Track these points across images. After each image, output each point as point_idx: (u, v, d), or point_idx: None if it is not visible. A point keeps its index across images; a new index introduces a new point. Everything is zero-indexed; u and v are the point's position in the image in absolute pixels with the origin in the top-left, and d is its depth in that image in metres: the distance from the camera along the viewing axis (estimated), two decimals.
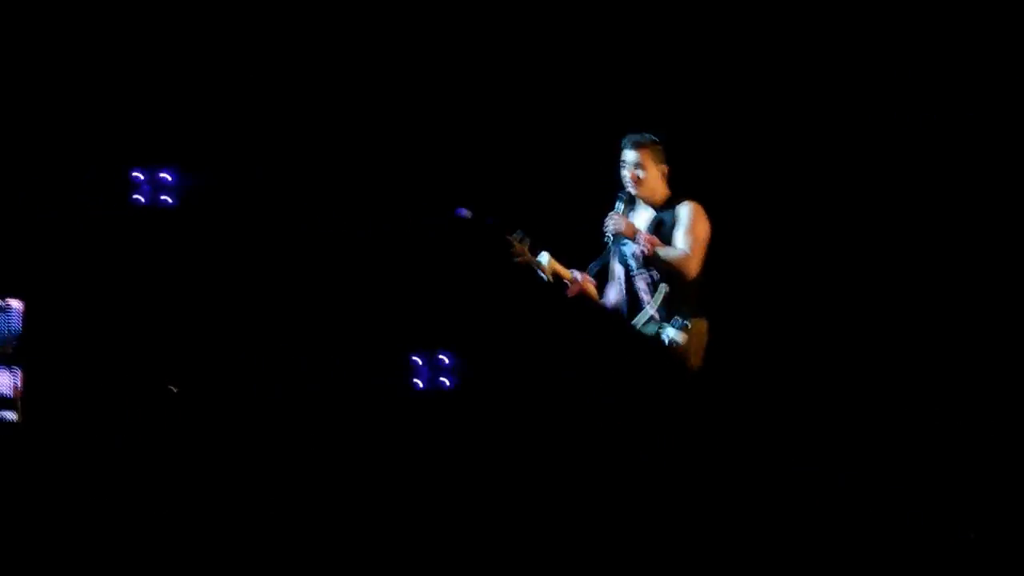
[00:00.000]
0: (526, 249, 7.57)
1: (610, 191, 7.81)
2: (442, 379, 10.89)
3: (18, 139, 10.37)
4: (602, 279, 7.86)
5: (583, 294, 7.70)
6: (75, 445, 9.61)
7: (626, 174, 7.72)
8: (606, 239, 7.70)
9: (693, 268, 7.60)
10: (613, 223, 7.62)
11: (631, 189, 7.72)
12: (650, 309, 7.61)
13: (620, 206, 7.69)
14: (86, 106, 10.48)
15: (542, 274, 7.61)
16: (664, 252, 7.60)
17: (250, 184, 10.69)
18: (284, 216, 10.70)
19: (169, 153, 10.71)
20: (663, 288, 7.61)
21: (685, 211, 7.67)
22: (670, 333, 7.52)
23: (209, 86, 10.58)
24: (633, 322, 7.64)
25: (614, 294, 7.83)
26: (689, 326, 7.53)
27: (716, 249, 7.73)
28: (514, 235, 7.57)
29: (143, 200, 10.70)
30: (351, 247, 10.69)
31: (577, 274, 7.69)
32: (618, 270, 7.81)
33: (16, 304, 9.79)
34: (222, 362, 10.49)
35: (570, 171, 9.99)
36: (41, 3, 10.35)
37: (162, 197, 10.74)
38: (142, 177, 10.71)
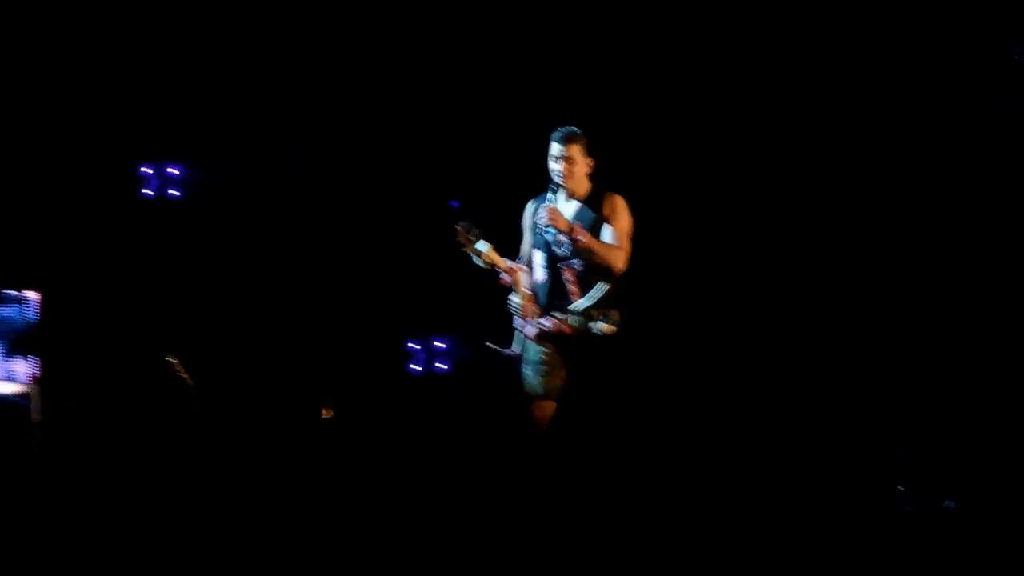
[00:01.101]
0: (469, 239, 7.86)
1: (530, 184, 8.12)
2: (438, 364, 11.19)
3: (31, 136, 10.57)
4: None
5: (515, 283, 7.95)
6: (90, 434, 9.89)
7: (557, 167, 7.92)
8: (538, 230, 7.95)
9: (622, 262, 7.86)
10: (549, 217, 7.84)
11: (560, 181, 7.93)
12: (586, 302, 7.85)
13: (553, 198, 7.95)
14: (97, 103, 10.68)
15: (479, 261, 7.89)
16: (597, 246, 7.82)
17: (254, 178, 10.91)
18: (285, 209, 10.91)
19: (177, 149, 10.93)
20: (602, 286, 7.84)
21: (611, 205, 7.91)
22: (600, 326, 7.82)
23: (214, 83, 10.78)
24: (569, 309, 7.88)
25: (529, 279, 8.04)
26: (616, 317, 7.82)
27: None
28: (462, 225, 7.87)
29: (152, 194, 10.93)
30: (350, 239, 10.93)
31: (512, 264, 7.97)
32: (537, 256, 8.04)
33: (32, 295, 9.96)
34: (228, 349, 10.73)
35: (493, 162, 10.31)
36: (57, 3, 10.55)
37: (170, 191, 10.97)
38: (151, 172, 10.95)
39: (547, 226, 7.87)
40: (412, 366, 11.14)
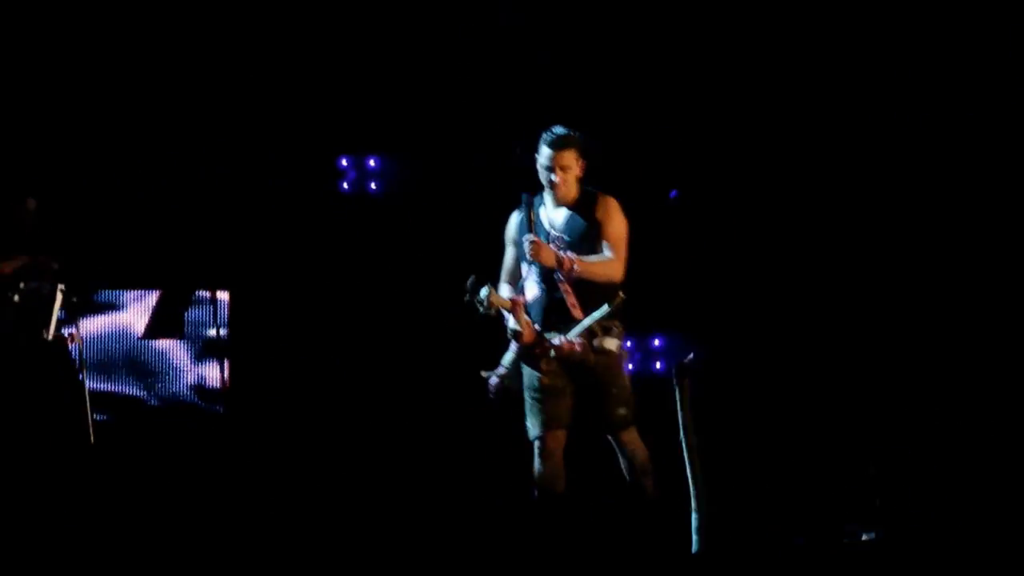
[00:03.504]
0: (473, 292, 7.23)
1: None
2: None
3: (224, 131, 10.42)
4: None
5: (515, 313, 7.29)
6: (281, 437, 9.71)
7: (553, 177, 7.25)
8: (531, 265, 7.30)
9: (621, 272, 7.26)
10: (532, 252, 7.19)
11: (554, 190, 7.28)
12: (587, 321, 7.22)
13: (540, 205, 7.35)
14: (292, 96, 10.48)
15: (482, 308, 7.23)
16: (590, 266, 7.20)
17: (455, 170, 10.57)
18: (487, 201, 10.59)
19: (375, 140, 10.66)
20: (605, 308, 7.20)
21: (604, 210, 7.27)
22: (607, 343, 7.26)
23: (411, 74, 10.49)
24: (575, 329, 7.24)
25: (528, 292, 7.39)
26: (619, 330, 7.29)
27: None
28: (467, 284, 7.24)
29: (349, 188, 10.66)
30: None
31: (512, 296, 7.33)
32: (526, 270, 7.39)
33: (223, 296, 9.84)
34: (428, 350, 10.39)
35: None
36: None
37: (369, 184, 10.69)
38: (348, 165, 10.67)
39: (531, 262, 7.25)
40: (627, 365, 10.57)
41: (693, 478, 7.30)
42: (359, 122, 10.60)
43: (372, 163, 10.67)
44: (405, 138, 10.62)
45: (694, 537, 7.23)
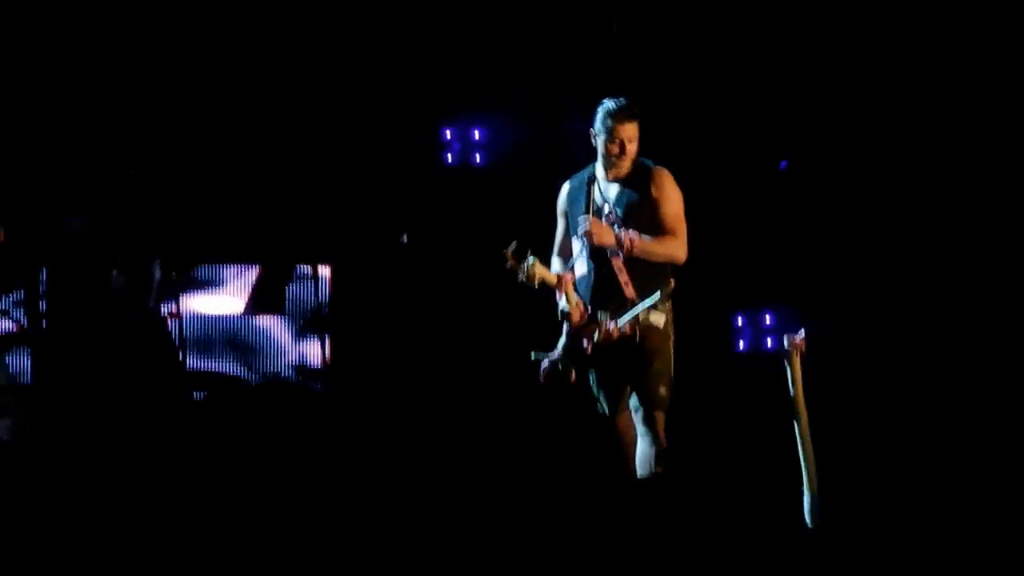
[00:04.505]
0: (516, 259, 6.97)
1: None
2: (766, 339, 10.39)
3: (326, 104, 10.30)
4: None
5: (565, 291, 7.08)
6: (382, 417, 9.59)
7: (626, 150, 6.97)
8: (582, 241, 7.07)
9: (684, 251, 7.00)
10: (595, 235, 6.96)
11: (618, 164, 7.00)
12: (639, 308, 6.96)
13: (592, 179, 7.09)
14: (396, 67, 10.36)
15: (525, 279, 6.99)
16: (651, 245, 6.93)
17: (557, 143, 10.37)
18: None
19: (479, 111, 10.51)
20: (657, 293, 6.93)
21: (658, 187, 6.99)
22: (653, 318, 6.96)
23: (514, 47, 10.34)
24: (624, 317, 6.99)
25: (577, 268, 7.17)
26: (668, 305, 6.99)
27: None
28: (509, 248, 6.98)
29: (452, 159, 10.50)
30: None
31: (560, 273, 7.11)
32: (577, 247, 7.15)
33: (325, 271, 9.78)
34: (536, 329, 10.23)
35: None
36: None
37: (474, 156, 10.51)
38: (452, 136, 10.51)
39: (593, 244, 7.00)
40: (738, 343, 10.47)
41: (805, 457, 7.12)
42: (464, 93, 10.47)
43: (477, 135, 10.51)
44: (509, 109, 10.47)
45: (807, 515, 7.08)
